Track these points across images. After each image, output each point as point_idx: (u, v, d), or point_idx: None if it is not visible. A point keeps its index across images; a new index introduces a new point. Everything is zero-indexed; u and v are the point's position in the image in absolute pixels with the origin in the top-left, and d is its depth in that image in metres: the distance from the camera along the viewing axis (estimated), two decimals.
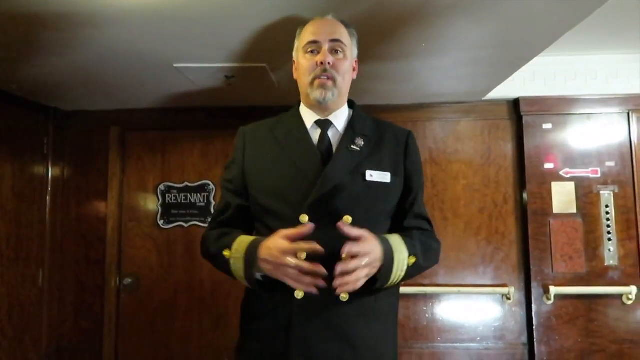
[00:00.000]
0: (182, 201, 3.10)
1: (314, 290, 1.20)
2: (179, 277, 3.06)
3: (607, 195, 2.88)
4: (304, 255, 1.20)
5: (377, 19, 1.76)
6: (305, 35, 1.41)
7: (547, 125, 2.94)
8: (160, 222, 3.09)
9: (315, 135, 1.41)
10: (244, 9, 1.68)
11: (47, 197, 3.01)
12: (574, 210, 2.88)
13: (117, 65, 2.25)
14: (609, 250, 2.85)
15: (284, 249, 1.20)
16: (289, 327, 1.29)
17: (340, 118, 1.45)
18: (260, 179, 1.39)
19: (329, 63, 1.36)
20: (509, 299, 2.89)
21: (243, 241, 1.31)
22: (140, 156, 3.17)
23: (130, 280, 3.07)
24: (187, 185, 3.11)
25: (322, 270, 1.19)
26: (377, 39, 1.96)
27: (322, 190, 1.29)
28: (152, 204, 3.13)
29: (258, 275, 1.30)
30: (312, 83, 1.38)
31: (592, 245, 2.86)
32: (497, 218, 2.98)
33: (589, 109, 2.93)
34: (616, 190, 2.87)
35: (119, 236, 3.11)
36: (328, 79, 1.37)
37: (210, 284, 3.04)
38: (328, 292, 1.21)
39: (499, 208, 2.98)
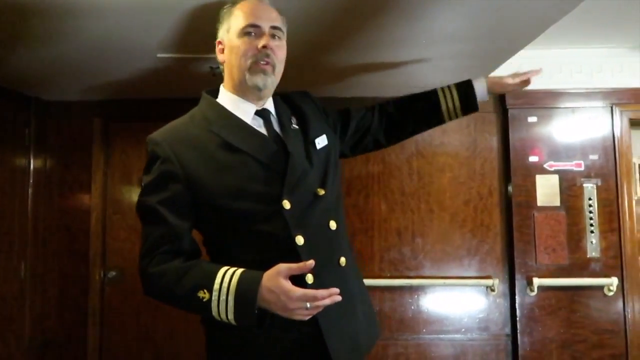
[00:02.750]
0: None
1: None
2: None
3: (590, 188, 2.91)
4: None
5: (361, 7, 1.75)
6: (242, 17, 1.30)
7: (532, 119, 2.96)
8: None
9: (259, 126, 1.35)
10: None
11: (29, 189, 2.96)
12: (558, 203, 2.91)
13: (100, 54, 2.21)
14: (591, 242, 2.89)
15: (293, 296, 1.12)
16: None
17: (270, 104, 1.42)
18: (220, 185, 1.25)
19: (271, 48, 1.29)
20: (493, 290, 2.92)
21: (226, 279, 1.17)
22: (124, 148, 3.13)
23: (114, 273, 3.04)
24: None
25: (336, 295, 1.15)
26: (362, 29, 1.95)
27: (295, 175, 1.29)
28: (136, 195, 3.08)
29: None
30: (250, 68, 1.29)
31: (575, 238, 2.89)
32: (482, 210, 3.00)
33: (573, 102, 2.95)
34: (599, 183, 2.91)
35: (103, 229, 3.08)
36: (268, 64, 1.29)
37: None
38: (331, 262, 1.33)
39: (484, 200, 3.00)
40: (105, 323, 3.04)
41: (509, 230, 2.95)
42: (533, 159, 2.94)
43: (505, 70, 2.89)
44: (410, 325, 2.96)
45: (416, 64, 2.42)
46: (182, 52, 2.18)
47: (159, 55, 2.21)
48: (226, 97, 1.37)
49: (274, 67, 1.32)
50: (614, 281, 2.83)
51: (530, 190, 2.93)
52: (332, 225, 1.34)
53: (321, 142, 1.41)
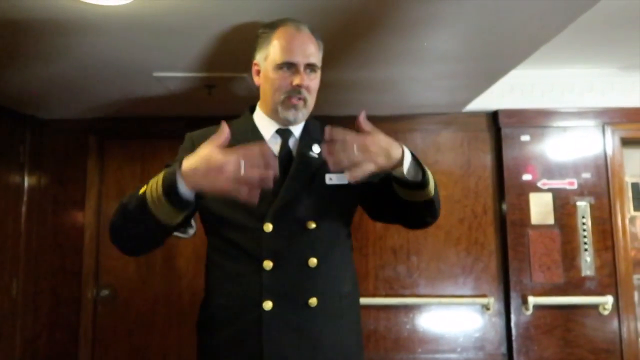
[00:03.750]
0: None
1: (255, 198, 1.06)
2: (157, 288, 3.01)
3: (583, 207, 2.92)
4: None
5: (355, 27, 1.77)
6: (279, 51, 1.31)
7: (525, 137, 2.98)
8: None
9: (275, 144, 1.37)
10: (225, 18, 1.68)
11: (23, 207, 2.95)
12: (552, 221, 2.92)
13: (96, 73, 2.22)
14: (586, 260, 2.89)
15: (216, 155, 1.06)
16: (259, 334, 1.25)
17: (298, 127, 1.42)
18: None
19: (305, 87, 1.31)
20: (488, 309, 2.91)
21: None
22: (120, 165, 3.13)
23: (107, 292, 3.02)
24: None
25: (268, 151, 1.07)
26: (356, 48, 1.98)
27: (285, 199, 1.28)
28: None
29: (182, 188, 1.10)
30: (283, 102, 1.32)
31: (569, 256, 2.90)
32: (477, 229, 3.00)
33: (565, 121, 2.98)
34: (592, 202, 2.92)
35: (96, 246, 3.05)
36: (300, 99, 1.32)
37: (189, 296, 3.00)
38: (296, 299, 1.26)
39: (479, 219, 3.01)
40: (97, 342, 3.00)
41: (504, 249, 2.95)
42: (527, 177, 2.96)
43: (499, 90, 2.95)
44: (405, 344, 2.94)
45: (410, 83, 2.45)
46: (178, 71, 2.20)
47: (155, 74, 2.23)
48: (258, 115, 1.41)
49: (305, 102, 1.34)
50: (609, 300, 2.82)
51: (524, 209, 2.94)
52: (312, 262, 1.29)
53: (338, 179, 1.34)
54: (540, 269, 2.89)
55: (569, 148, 2.97)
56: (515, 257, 2.91)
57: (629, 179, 3.06)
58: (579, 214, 2.92)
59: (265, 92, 1.37)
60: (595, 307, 2.86)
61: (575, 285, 2.88)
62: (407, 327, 2.95)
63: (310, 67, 1.33)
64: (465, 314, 2.95)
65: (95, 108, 2.88)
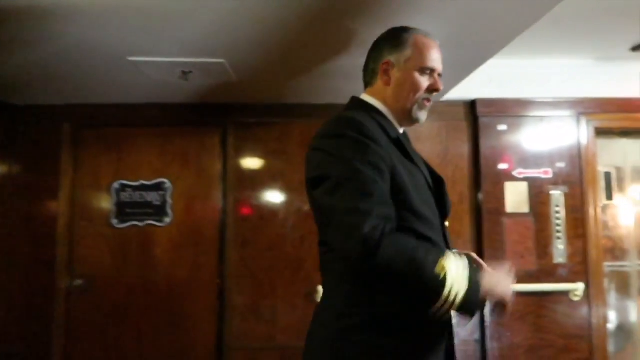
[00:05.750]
0: (138, 200, 3.02)
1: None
2: (133, 278, 2.98)
3: (557, 195, 2.98)
4: None
5: (335, 13, 1.76)
6: (426, 57, 1.40)
7: (502, 127, 3.02)
8: (114, 222, 3.00)
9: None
10: (201, 2, 1.65)
11: None
12: (527, 210, 2.97)
13: (70, 58, 2.17)
14: (558, 248, 2.95)
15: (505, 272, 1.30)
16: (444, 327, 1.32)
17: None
18: (412, 182, 1.30)
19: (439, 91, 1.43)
20: None
21: (457, 259, 1.21)
22: (94, 153, 3.07)
23: (81, 282, 2.97)
24: (142, 184, 3.03)
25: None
26: (336, 34, 1.97)
27: (447, 203, 1.43)
28: (105, 202, 3.03)
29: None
30: (419, 103, 1.40)
31: (543, 244, 2.95)
32: (454, 218, 3.02)
33: (541, 111, 3.02)
34: (566, 191, 2.98)
35: (70, 236, 3.00)
36: (429, 101, 1.43)
37: (165, 286, 2.97)
38: None
39: (455, 208, 3.03)
40: (72, 333, 2.95)
41: (479, 237, 2.99)
42: (503, 166, 3.00)
43: (477, 79, 2.96)
44: None
45: None
46: (154, 56, 2.16)
47: (129, 58, 2.18)
48: (382, 113, 1.43)
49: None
50: (579, 287, 2.89)
51: (500, 198, 2.98)
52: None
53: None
54: (514, 257, 2.94)
55: (544, 138, 3.02)
56: (490, 245, 2.95)
57: (601, 169, 3.11)
58: (553, 202, 2.97)
59: (399, 91, 1.41)
60: (566, 293, 2.92)
61: (548, 273, 2.94)
62: None
63: (440, 75, 1.44)
64: None
65: (70, 94, 2.81)
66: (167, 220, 2.99)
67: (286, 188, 3.04)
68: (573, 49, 2.87)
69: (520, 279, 2.90)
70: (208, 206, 3.04)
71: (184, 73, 2.37)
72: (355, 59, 2.23)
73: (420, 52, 1.40)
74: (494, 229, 2.96)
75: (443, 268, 1.15)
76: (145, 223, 3.01)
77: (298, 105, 3.03)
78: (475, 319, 2.95)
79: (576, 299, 2.91)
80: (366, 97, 1.45)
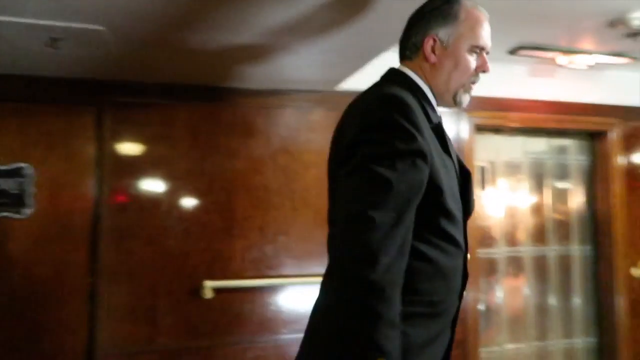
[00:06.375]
0: None
1: None
2: None
3: None
4: None
5: None
6: (478, 34, 1.27)
7: None
8: None
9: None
10: None
11: None
12: None
13: None
14: None
15: None
16: (453, 325, 1.27)
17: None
18: (446, 178, 1.18)
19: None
20: None
21: None
22: None
23: None
24: None
25: None
26: (228, 14, 1.82)
27: (472, 198, 1.31)
28: None
29: None
30: (465, 85, 1.28)
31: None
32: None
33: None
34: None
35: None
36: (474, 84, 1.31)
37: (24, 288, 2.57)
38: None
39: None
40: None
41: None
42: None
43: (373, 70, 2.98)
44: (269, 326, 2.88)
45: (287, 57, 2.36)
46: (14, 15, 1.82)
47: None
48: (424, 93, 1.28)
49: None
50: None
51: None
52: None
53: None
54: None
55: None
56: None
57: (476, 163, 3.33)
58: None
59: (446, 71, 1.27)
60: None
61: None
62: (272, 308, 2.89)
63: (487, 53, 1.31)
64: None
65: None
66: (27, 211, 2.59)
67: (170, 176, 2.80)
68: None
69: None
70: (79, 195, 2.68)
71: (53, 40, 2.04)
72: (243, 40, 2.13)
73: (472, 28, 1.26)
74: None
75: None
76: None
77: (185, 86, 2.82)
78: None
79: None
80: (409, 72, 1.28)
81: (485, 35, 1.29)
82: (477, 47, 1.27)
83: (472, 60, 1.27)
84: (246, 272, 2.86)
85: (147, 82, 2.76)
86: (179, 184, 2.80)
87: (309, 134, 3.02)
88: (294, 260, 2.93)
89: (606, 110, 3.54)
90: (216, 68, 2.51)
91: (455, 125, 3.18)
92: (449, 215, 1.17)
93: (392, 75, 1.31)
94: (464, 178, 1.29)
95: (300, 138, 3.00)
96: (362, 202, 1.02)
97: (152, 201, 2.77)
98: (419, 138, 1.09)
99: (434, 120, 1.24)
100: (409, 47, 1.30)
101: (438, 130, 1.23)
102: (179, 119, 2.84)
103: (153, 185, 2.79)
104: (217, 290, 2.76)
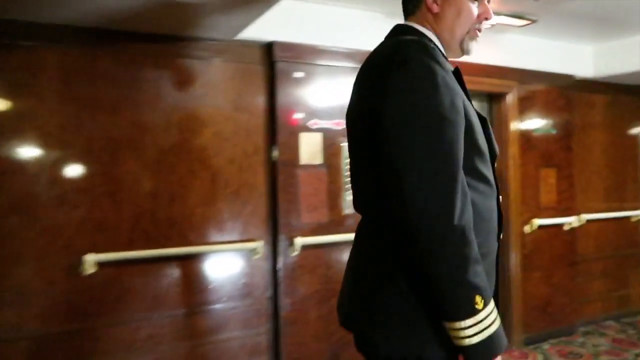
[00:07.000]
0: None
1: None
2: None
3: (347, 147, 2.97)
4: None
5: None
6: None
7: (299, 74, 2.85)
8: None
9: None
10: None
11: None
12: (320, 161, 2.91)
13: None
14: (347, 199, 2.98)
15: None
16: (497, 265, 1.29)
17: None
18: (474, 124, 1.20)
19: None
20: (257, 254, 2.77)
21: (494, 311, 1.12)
22: None
23: None
24: None
25: None
26: None
27: (493, 144, 1.30)
28: None
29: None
30: (470, 32, 1.31)
31: (334, 195, 2.95)
32: (247, 169, 2.80)
33: (335, 61, 2.95)
34: None
35: None
36: (480, 31, 1.33)
37: None
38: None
39: (250, 159, 2.80)
40: None
41: (274, 190, 2.82)
42: (298, 116, 2.85)
43: (275, 20, 2.72)
44: (165, 301, 2.59)
45: None
46: None
47: None
48: (434, 43, 1.30)
49: None
50: None
51: (294, 149, 2.84)
52: None
53: None
54: (308, 210, 2.87)
55: (338, 88, 2.96)
56: (285, 198, 2.81)
57: None
58: (343, 154, 2.98)
59: (450, 19, 1.30)
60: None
61: (337, 223, 2.96)
62: (168, 281, 2.61)
63: (488, 1, 1.34)
64: (233, 261, 2.76)
65: None
66: None
67: (39, 134, 2.35)
68: (366, 1, 2.84)
69: (313, 232, 2.87)
70: None
71: None
72: None
73: None
74: (289, 182, 2.82)
75: (483, 303, 1.08)
76: None
77: (55, 25, 2.34)
78: (269, 276, 2.82)
79: None
80: (416, 25, 1.30)
81: None
82: None
83: (474, 8, 1.30)
84: (136, 243, 2.53)
85: (6, 19, 2.25)
86: (50, 142, 2.36)
87: (206, 88, 2.69)
88: (192, 228, 2.65)
89: (505, 73, 3.60)
90: (95, 2, 2.08)
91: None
92: (481, 154, 1.21)
93: (400, 30, 1.32)
94: (483, 123, 1.28)
95: (196, 92, 2.67)
96: (418, 149, 1.06)
97: (16, 163, 2.31)
98: (447, 77, 1.14)
99: (449, 67, 1.24)
100: (412, 1, 1.33)
101: (457, 74, 1.25)
102: (47, 65, 2.37)
103: (16, 145, 2.32)
104: (101, 265, 2.41)
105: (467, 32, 1.31)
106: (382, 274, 1.17)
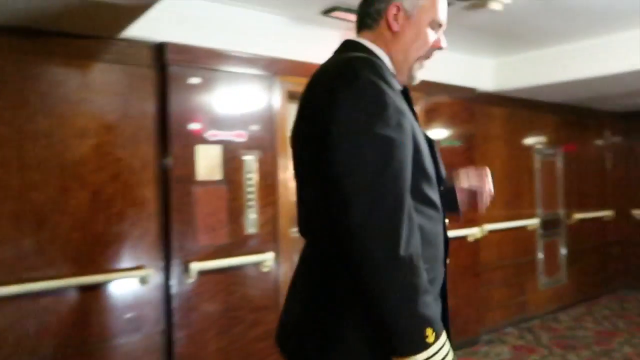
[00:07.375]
0: None
1: None
2: None
3: (250, 161, 2.75)
4: None
5: None
6: (438, 10, 1.26)
7: (195, 80, 2.56)
8: None
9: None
10: None
11: None
12: (220, 177, 2.64)
13: None
14: (250, 217, 2.74)
15: None
16: (443, 291, 1.23)
17: None
18: (420, 137, 1.17)
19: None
20: (146, 282, 2.44)
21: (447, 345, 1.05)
22: None
23: None
24: None
25: None
26: None
27: (440, 165, 1.27)
28: None
29: None
30: (420, 59, 1.27)
31: (235, 214, 2.70)
32: (135, 187, 2.45)
33: (236, 67, 2.70)
34: (260, 155, 2.77)
35: None
36: (428, 59, 1.30)
37: None
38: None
39: (138, 175, 2.46)
40: None
41: (166, 209, 2.51)
42: (194, 126, 2.56)
43: (167, 18, 2.42)
44: (31, 345, 2.18)
45: None
46: None
47: None
48: (386, 65, 1.24)
49: None
50: (269, 256, 2.77)
51: (189, 163, 2.55)
52: None
53: None
54: (205, 231, 2.59)
55: (239, 96, 2.71)
56: (178, 218, 2.51)
57: (290, 133, 3.04)
58: (246, 168, 2.73)
59: (408, 40, 1.26)
60: (257, 265, 2.77)
61: (239, 245, 2.71)
62: (37, 321, 2.20)
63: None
64: (118, 293, 2.40)
65: None
66: None
67: None
68: (268, 3, 2.63)
69: (211, 255, 2.60)
70: None
71: None
72: None
73: (434, 3, 1.26)
74: (183, 200, 2.52)
75: (434, 336, 1.01)
76: None
77: None
78: (162, 306, 2.50)
79: (266, 269, 2.78)
80: (367, 43, 1.25)
81: (444, 11, 1.29)
82: (436, 22, 1.27)
83: (432, 34, 1.26)
84: None
85: None
86: None
87: (85, 93, 2.32)
88: (67, 256, 2.26)
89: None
90: None
91: (267, 93, 2.80)
92: (428, 177, 1.17)
93: (350, 46, 1.26)
94: (430, 145, 1.24)
95: (71, 97, 2.28)
96: (364, 171, 1.01)
97: None
98: (395, 97, 1.10)
99: (397, 87, 1.18)
100: (371, 15, 1.27)
101: (406, 95, 1.22)
102: None
103: None
104: None
105: (418, 59, 1.26)
106: (334, 303, 1.10)
